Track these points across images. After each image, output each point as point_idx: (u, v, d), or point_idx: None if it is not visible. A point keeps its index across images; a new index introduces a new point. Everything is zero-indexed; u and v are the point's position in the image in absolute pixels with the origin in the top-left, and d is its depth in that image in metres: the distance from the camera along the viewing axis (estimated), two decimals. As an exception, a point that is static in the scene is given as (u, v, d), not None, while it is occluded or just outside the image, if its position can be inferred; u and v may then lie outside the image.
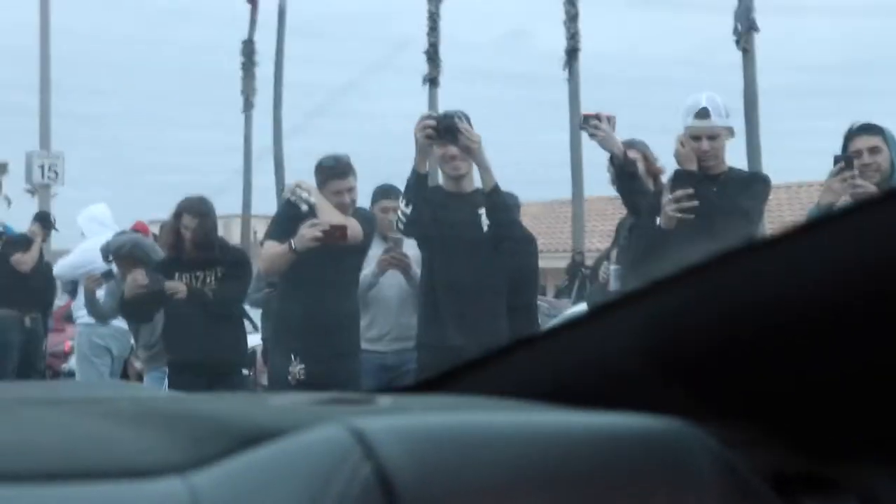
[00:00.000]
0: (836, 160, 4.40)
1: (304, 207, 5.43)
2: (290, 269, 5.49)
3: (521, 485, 0.60)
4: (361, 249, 5.63)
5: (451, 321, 5.04)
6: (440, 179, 5.46)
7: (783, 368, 0.76)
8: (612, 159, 4.97)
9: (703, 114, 4.70)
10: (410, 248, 5.72)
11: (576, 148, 21.76)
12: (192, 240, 6.08)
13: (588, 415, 0.71)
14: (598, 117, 4.94)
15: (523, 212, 6.18)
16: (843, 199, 4.26)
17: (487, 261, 5.10)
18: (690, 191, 4.56)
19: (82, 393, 1.16)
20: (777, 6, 20.32)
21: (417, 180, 5.11)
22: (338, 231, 5.32)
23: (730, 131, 4.84)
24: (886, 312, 0.71)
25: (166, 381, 6.38)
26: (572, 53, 22.84)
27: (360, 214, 5.63)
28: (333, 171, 5.57)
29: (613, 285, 5.72)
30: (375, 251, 5.80)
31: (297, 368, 5.40)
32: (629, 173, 4.95)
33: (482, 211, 5.09)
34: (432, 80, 23.79)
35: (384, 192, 6.06)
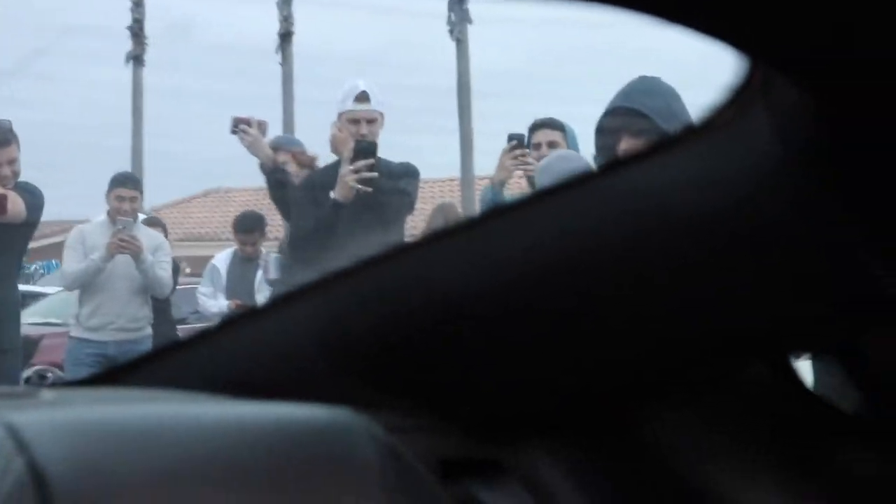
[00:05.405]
0: (510, 138, 4.53)
1: None
2: None
3: (182, 478, 0.61)
4: (24, 227, 5.12)
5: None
6: None
7: (448, 357, 0.79)
8: (261, 166, 4.94)
9: (363, 97, 4.69)
10: (143, 233, 5.67)
11: (289, 128, 21.47)
12: None
13: (257, 406, 0.72)
14: (248, 122, 4.92)
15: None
16: (516, 176, 4.46)
17: None
18: (372, 161, 4.51)
19: None
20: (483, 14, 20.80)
21: None
22: None
23: (383, 117, 4.80)
24: (548, 303, 0.75)
25: None
26: (286, 37, 22.67)
27: (22, 187, 5.11)
28: None
29: (273, 274, 5.79)
30: (104, 237, 5.63)
31: None
32: (278, 181, 4.91)
33: None
34: (136, 58, 22.82)
35: (121, 181, 5.95)
